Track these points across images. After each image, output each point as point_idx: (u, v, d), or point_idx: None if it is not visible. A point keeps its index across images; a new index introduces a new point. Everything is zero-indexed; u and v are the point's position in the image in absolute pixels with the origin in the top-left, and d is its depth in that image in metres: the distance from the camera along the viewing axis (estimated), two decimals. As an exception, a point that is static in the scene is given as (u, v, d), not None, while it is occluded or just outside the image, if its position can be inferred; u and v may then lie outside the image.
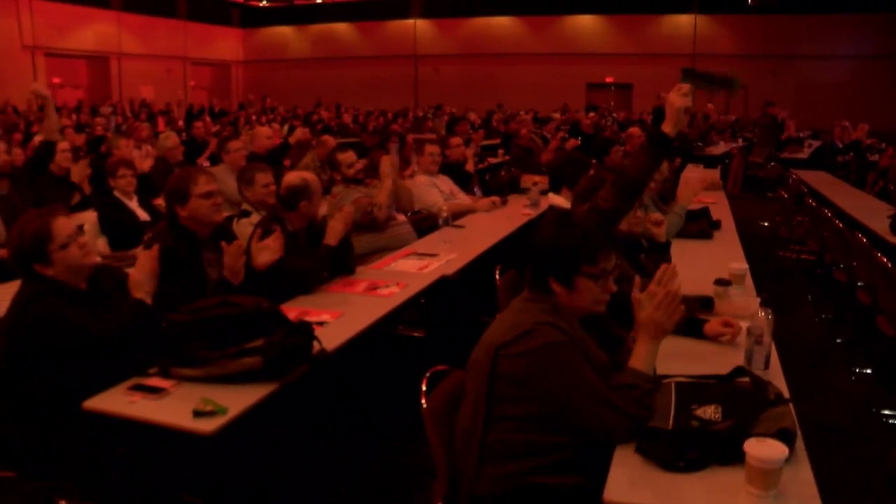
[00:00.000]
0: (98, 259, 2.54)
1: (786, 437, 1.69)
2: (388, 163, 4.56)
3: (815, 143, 12.92)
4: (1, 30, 16.91)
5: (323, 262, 3.36)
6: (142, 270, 2.50)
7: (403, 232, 4.56)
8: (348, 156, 4.67)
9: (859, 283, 4.41)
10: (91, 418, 2.15)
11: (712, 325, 2.58)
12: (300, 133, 6.45)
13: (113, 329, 2.32)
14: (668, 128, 2.54)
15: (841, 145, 10.76)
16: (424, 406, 2.01)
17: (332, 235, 3.40)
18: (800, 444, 1.77)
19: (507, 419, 1.91)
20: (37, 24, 17.64)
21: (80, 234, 2.41)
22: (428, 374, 2.10)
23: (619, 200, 2.64)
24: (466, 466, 1.96)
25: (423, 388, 2.05)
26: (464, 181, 6.01)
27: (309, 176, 3.52)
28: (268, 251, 3.02)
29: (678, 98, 2.50)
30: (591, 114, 15.19)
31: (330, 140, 7.13)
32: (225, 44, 24.40)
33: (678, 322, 2.02)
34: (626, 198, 2.66)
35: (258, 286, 2.86)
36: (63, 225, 2.36)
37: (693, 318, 2.62)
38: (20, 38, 17.36)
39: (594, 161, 4.79)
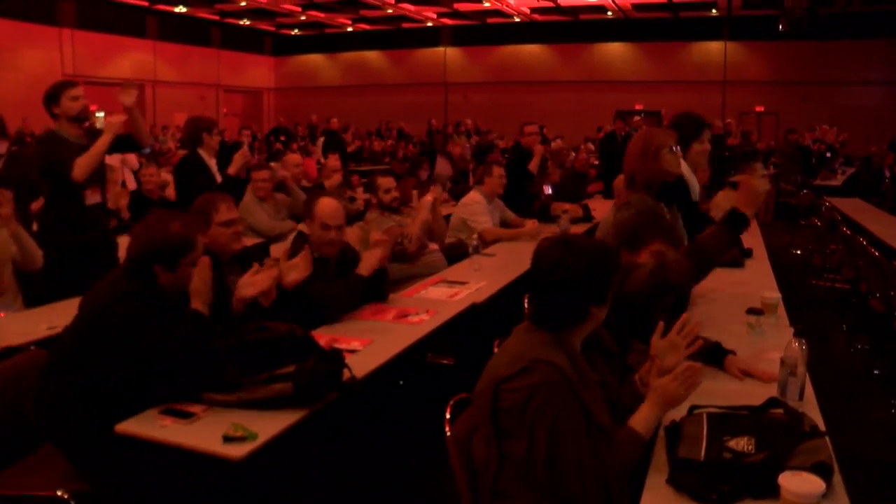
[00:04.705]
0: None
1: (822, 471, 1.66)
2: (427, 198, 4.58)
3: (849, 170, 12.77)
4: (44, 60, 17.36)
5: (353, 293, 3.37)
6: (200, 279, 2.51)
7: (435, 260, 4.58)
8: (388, 181, 4.73)
9: (896, 313, 4.33)
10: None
11: (733, 364, 2.54)
12: (337, 178, 6.57)
13: (173, 341, 2.34)
14: (747, 210, 2.49)
15: (889, 174, 10.57)
16: (448, 434, 2.00)
17: (366, 267, 3.42)
18: (837, 479, 1.73)
19: (517, 455, 1.88)
20: (77, 53, 18.11)
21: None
22: (452, 402, 2.09)
23: (692, 277, 2.57)
24: (485, 498, 1.95)
25: (447, 416, 2.04)
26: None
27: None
28: (296, 270, 3.03)
29: (761, 183, 2.48)
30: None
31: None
32: (257, 71, 24.80)
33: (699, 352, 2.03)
34: (700, 275, 2.61)
35: (284, 311, 2.88)
36: (201, 242, 2.47)
37: (718, 346, 2.59)
38: (61, 67, 17.81)
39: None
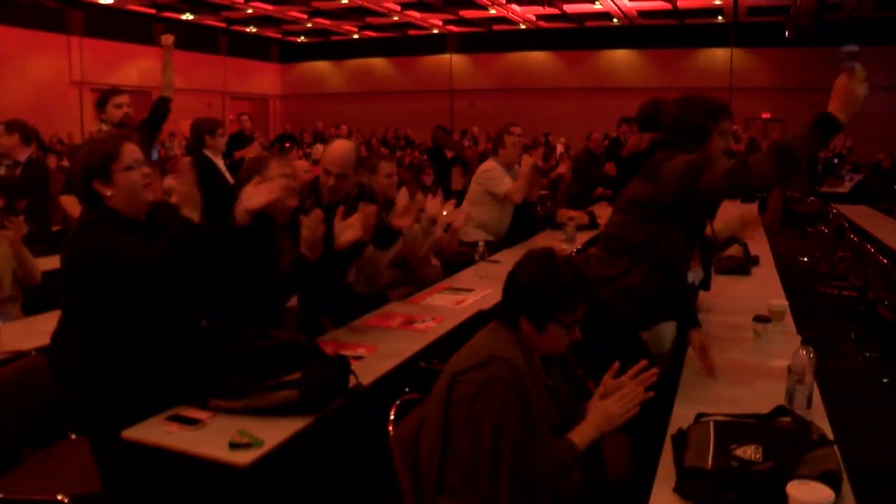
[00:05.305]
0: (159, 196, 2.56)
1: (831, 480, 1.65)
2: (444, 213, 4.46)
3: (857, 177, 12.72)
4: (52, 67, 17.48)
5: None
6: (187, 183, 2.50)
7: (431, 274, 4.52)
8: (390, 166, 4.45)
9: (905, 321, 4.30)
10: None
11: (696, 336, 2.61)
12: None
13: (161, 250, 2.33)
14: (840, 115, 2.27)
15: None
16: (391, 433, 2.00)
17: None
18: (846, 488, 1.72)
19: (458, 449, 1.90)
20: (85, 60, 18.21)
21: (146, 165, 2.45)
22: (398, 402, 2.10)
23: (774, 179, 2.33)
24: (428, 494, 1.95)
25: (391, 416, 2.05)
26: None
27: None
28: (351, 230, 2.96)
29: (860, 86, 2.27)
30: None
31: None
32: (263, 78, 24.89)
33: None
34: (782, 178, 2.34)
35: (329, 266, 2.91)
36: (132, 150, 2.41)
37: (692, 313, 2.63)
38: (69, 74, 17.92)
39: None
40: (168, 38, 4.76)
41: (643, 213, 2.57)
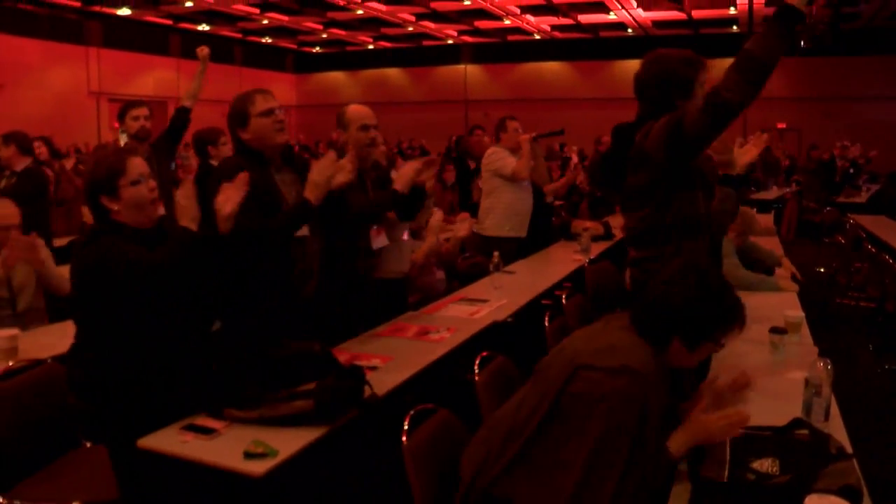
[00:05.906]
0: (163, 211, 2.59)
1: (850, 494, 1.63)
2: (436, 219, 4.50)
3: (874, 187, 12.60)
4: (70, 78, 17.72)
5: (385, 205, 3.37)
6: (185, 196, 2.50)
7: (434, 284, 4.51)
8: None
9: (923, 333, 4.26)
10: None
11: None
12: None
13: (163, 256, 2.34)
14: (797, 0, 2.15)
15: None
16: (405, 443, 2.00)
17: (402, 183, 3.33)
18: (866, 502, 1.70)
19: (554, 442, 1.83)
20: (103, 71, 18.43)
21: (152, 178, 2.47)
22: (411, 413, 2.09)
23: (747, 90, 2.23)
24: (492, 458, 1.91)
25: (405, 426, 2.04)
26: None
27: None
28: (343, 172, 2.99)
29: None
30: None
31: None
32: (279, 88, 25.03)
33: None
34: (753, 84, 2.24)
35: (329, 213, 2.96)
36: (137, 163, 2.42)
37: None
38: (87, 85, 18.15)
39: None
40: (203, 50, 4.96)
41: (656, 197, 2.54)
